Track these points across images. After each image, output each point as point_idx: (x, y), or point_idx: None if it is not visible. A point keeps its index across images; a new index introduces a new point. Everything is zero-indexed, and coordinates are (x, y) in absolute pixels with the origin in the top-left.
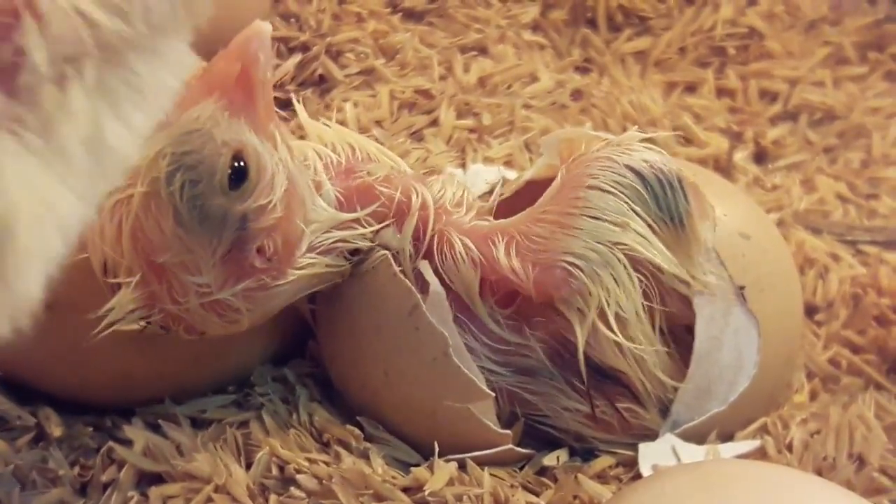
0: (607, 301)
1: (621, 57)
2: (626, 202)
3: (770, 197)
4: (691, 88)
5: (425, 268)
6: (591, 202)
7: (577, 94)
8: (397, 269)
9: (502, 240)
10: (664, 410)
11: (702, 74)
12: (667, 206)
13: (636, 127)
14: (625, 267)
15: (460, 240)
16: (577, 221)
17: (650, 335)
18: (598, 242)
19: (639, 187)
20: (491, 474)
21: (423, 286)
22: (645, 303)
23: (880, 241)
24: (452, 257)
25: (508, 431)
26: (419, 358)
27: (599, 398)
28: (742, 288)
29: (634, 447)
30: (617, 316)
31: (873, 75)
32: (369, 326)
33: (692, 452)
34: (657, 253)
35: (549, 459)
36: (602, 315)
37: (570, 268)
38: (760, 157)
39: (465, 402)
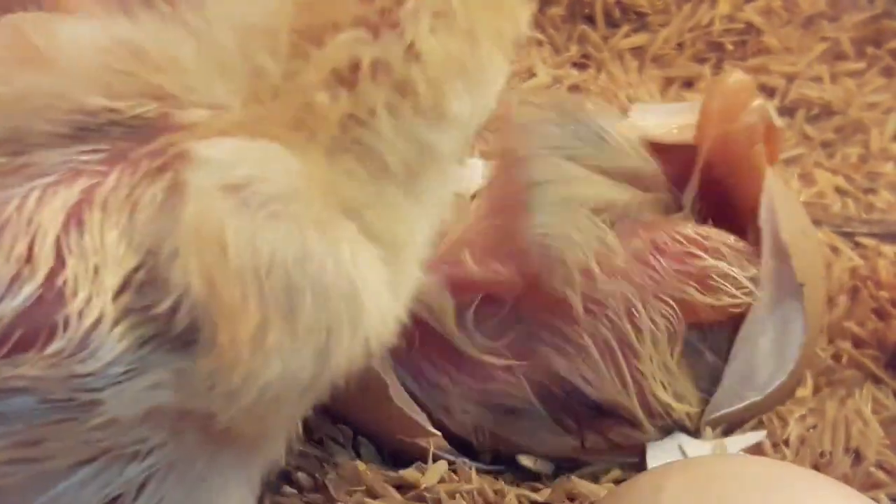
0: (586, 253)
1: (619, 53)
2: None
3: None
4: (689, 84)
5: None
6: (526, 173)
7: (574, 90)
8: None
9: (464, 251)
10: (665, 427)
11: (699, 70)
12: (578, 135)
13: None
14: (587, 216)
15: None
16: (523, 197)
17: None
18: (552, 206)
19: (555, 130)
20: (479, 472)
21: None
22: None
23: (878, 234)
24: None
25: (464, 458)
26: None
27: (590, 432)
28: (802, 285)
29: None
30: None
31: (871, 71)
32: None
33: (699, 449)
34: (605, 189)
35: (540, 464)
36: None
37: (541, 241)
38: None
39: (416, 438)
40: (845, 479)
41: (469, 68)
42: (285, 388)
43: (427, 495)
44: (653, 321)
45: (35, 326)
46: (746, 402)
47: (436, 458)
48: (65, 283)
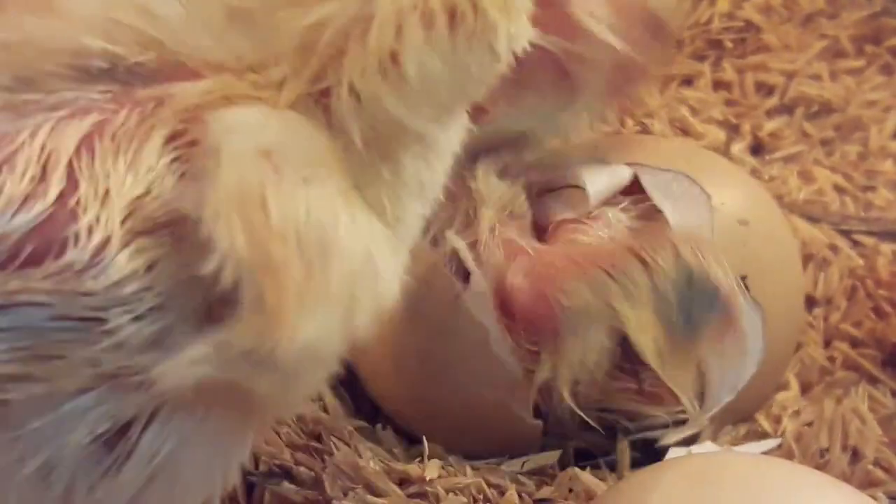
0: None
1: None
2: (655, 288)
3: (767, 188)
4: (688, 81)
5: (466, 258)
6: (621, 261)
7: None
8: (440, 259)
9: (522, 258)
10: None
11: (698, 67)
12: (689, 311)
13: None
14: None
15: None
16: (593, 271)
17: None
18: (599, 298)
19: (680, 276)
20: (475, 468)
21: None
22: None
23: (876, 232)
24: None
25: (539, 422)
26: (459, 347)
27: (645, 372)
28: (744, 277)
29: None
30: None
31: (870, 68)
32: (408, 314)
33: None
34: (643, 339)
35: (545, 458)
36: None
37: (560, 301)
38: (757, 149)
39: (502, 393)
40: (843, 477)
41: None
42: (315, 352)
43: (428, 489)
44: None
45: (46, 241)
46: (722, 404)
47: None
48: (77, 202)
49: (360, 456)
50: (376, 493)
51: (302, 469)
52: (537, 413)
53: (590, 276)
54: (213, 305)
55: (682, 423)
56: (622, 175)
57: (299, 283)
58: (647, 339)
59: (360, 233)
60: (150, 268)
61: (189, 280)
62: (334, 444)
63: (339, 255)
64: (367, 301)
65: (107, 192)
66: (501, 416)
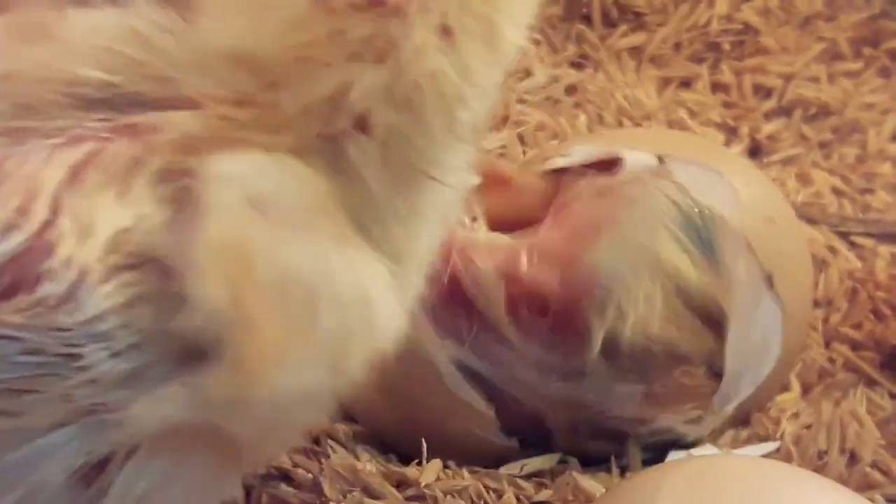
0: (625, 305)
1: (616, 52)
2: (667, 228)
3: None
4: (686, 84)
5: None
6: (628, 218)
7: (571, 89)
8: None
9: (523, 251)
10: (714, 373)
11: (697, 70)
12: (699, 239)
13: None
14: (649, 274)
15: (483, 257)
16: (606, 231)
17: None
18: (625, 249)
19: (678, 216)
20: (472, 471)
21: None
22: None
23: (874, 234)
24: (476, 275)
25: (513, 442)
26: (419, 386)
27: (654, 373)
28: (770, 275)
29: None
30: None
31: (868, 71)
32: None
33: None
34: (682, 264)
35: (544, 462)
36: (621, 317)
37: (598, 271)
38: (755, 151)
39: (466, 424)
40: (841, 480)
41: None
42: (299, 399)
43: (426, 493)
44: None
45: (22, 274)
46: (742, 398)
47: (483, 443)
48: (56, 235)
49: (357, 459)
50: (374, 496)
51: (300, 472)
52: (512, 431)
53: (606, 235)
54: (191, 349)
55: (696, 420)
56: (649, 163)
57: (280, 339)
58: (680, 259)
59: (356, 277)
60: (130, 304)
61: (170, 322)
62: (332, 446)
63: (329, 305)
64: (359, 346)
65: (90, 225)
66: (472, 443)
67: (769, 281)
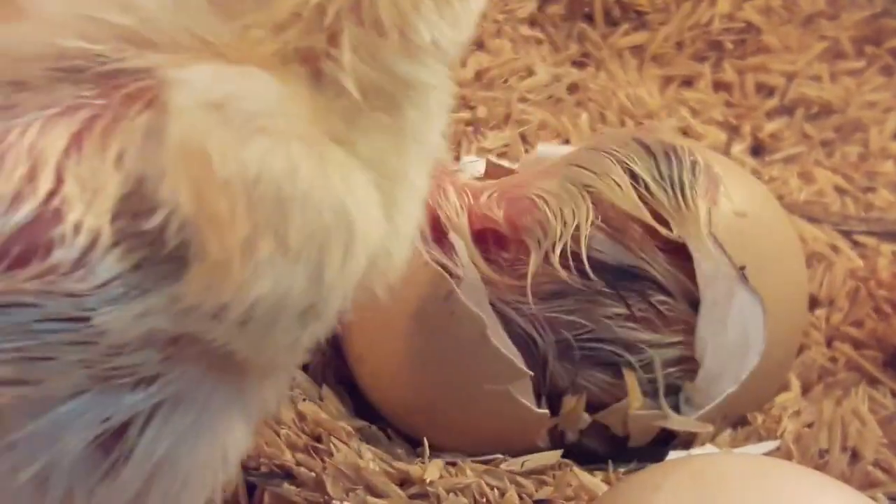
0: (562, 234)
1: (618, 51)
2: (620, 162)
3: (767, 188)
4: (688, 82)
5: (461, 250)
6: (580, 157)
7: (573, 88)
8: (428, 257)
9: (490, 189)
10: (693, 302)
11: (699, 68)
12: (668, 174)
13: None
14: (588, 210)
15: (454, 190)
16: (558, 169)
17: None
18: (571, 184)
19: (642, 153)
20: (474, 468)
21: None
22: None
23: (877, 232)
24: (446, 208)
25: (546, 411)
26: (457, 342)
27: (632, 296)
28: (742, 268)
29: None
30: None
31: (870, 69)
32: (403, 315)
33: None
34: (628, 201)
35: (545, 458)
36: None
37: (536, 199)
38: (757, 150)
39: (505, 384)
40: (843, 478)
41: None
42: (278, 305)
43: (428, 490)
44: None
45: (34, 242)
46: (723, 396)
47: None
48: (63, 202)
49: (360, 457)
50: (377, 494)
51: (303, 470)
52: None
53: (557, 172)
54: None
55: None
56: None
57: (246, 236)
58: (630, 203)
59: (328, 181)
60: (137, 267)
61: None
62: (335, 444)
63: (298, 204)
64: (338, 254)
65: (95, 192)
66: (505, 409)
67: (743, 276)
